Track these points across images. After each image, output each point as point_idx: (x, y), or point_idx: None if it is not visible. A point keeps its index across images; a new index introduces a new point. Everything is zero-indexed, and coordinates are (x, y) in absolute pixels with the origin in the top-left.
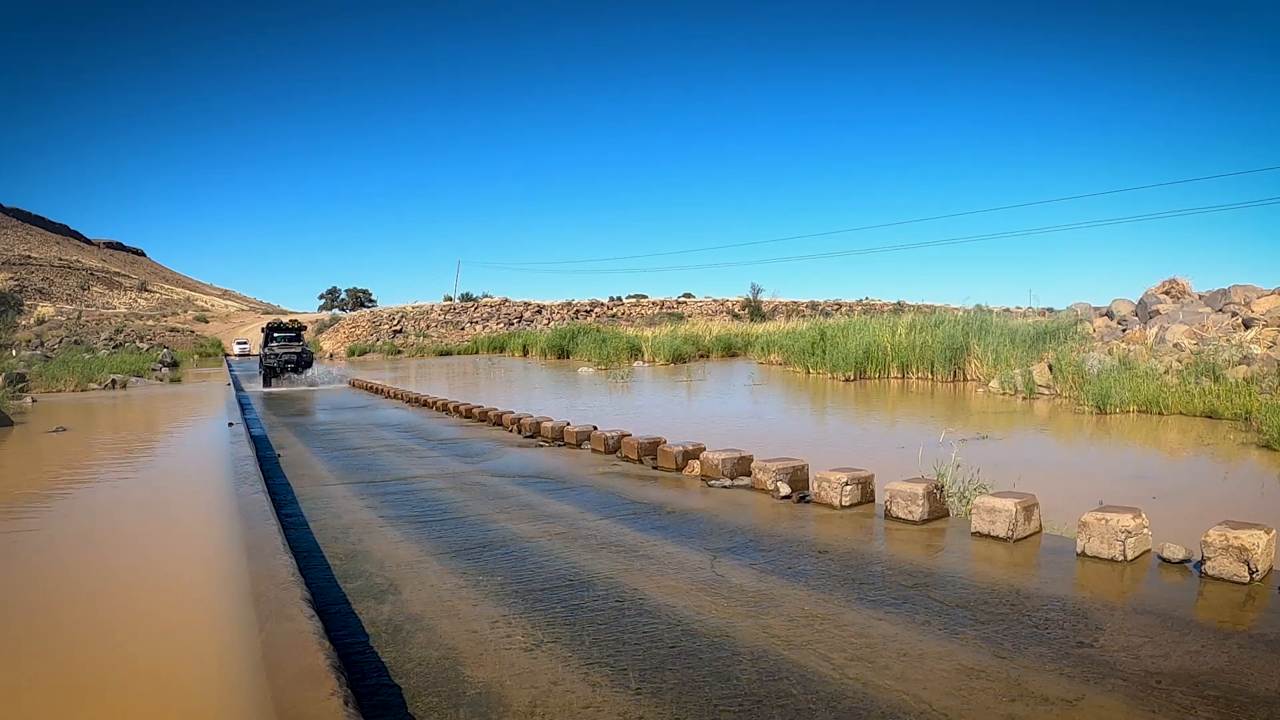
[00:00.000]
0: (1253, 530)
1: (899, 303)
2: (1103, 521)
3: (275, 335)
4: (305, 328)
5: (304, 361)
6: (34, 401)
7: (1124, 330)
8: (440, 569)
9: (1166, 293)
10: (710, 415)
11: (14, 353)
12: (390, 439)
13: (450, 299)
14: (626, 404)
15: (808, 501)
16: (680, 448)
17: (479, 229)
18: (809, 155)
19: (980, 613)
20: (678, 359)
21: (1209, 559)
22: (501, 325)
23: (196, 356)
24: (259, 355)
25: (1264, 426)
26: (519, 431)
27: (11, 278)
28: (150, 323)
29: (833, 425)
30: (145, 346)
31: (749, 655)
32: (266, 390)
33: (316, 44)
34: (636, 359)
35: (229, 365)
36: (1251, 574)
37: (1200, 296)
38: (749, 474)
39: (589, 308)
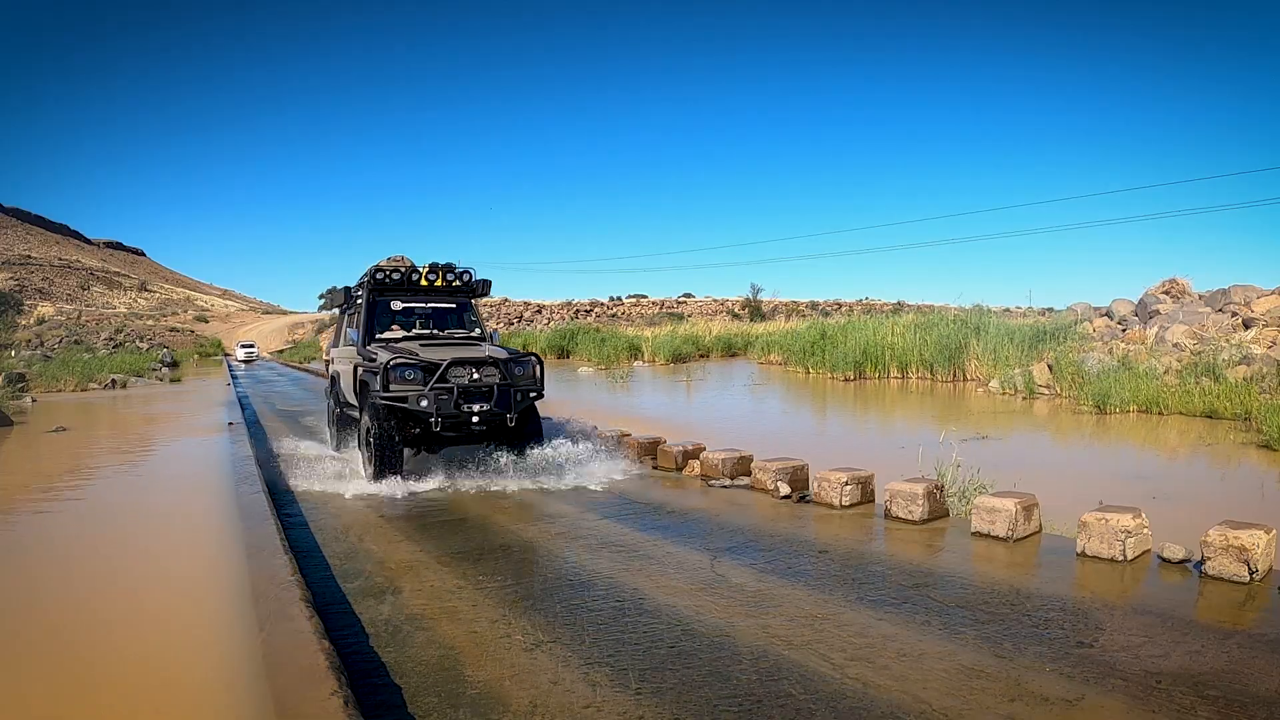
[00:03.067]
0: (1253, 530)
1: (899, 303)
2: (1103, 521)
3: (397, 305)
4: (487, 288)
5: (515, 395)
6: (34, 401)
7: (1124, 330)
8: (440, 569)
9: (1166, 293)
10: (710, 415)
11: (14, 352)
12: None
13: None
14: (626, 403)
15: (808, 501)
16: (680, 447)
17: (479, 229)
18: (809, 155)
19: (980, 613)
20: (678, 359)
21: (1209, 559)
22: (501, 325)
23: (196, 356)
24: (337, 368)
25: (1264, 426)
26: None
27: (11, 278)
28: (150, 323)
29: (832, 425)
30: (145, 346)
31: (749, 655)
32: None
33: (316, 44)
34: (636, 359)
35: (231, 374)
36: (1251, 574)
37: (1200, 296)
38: (749, 474)
39: (589, 308)
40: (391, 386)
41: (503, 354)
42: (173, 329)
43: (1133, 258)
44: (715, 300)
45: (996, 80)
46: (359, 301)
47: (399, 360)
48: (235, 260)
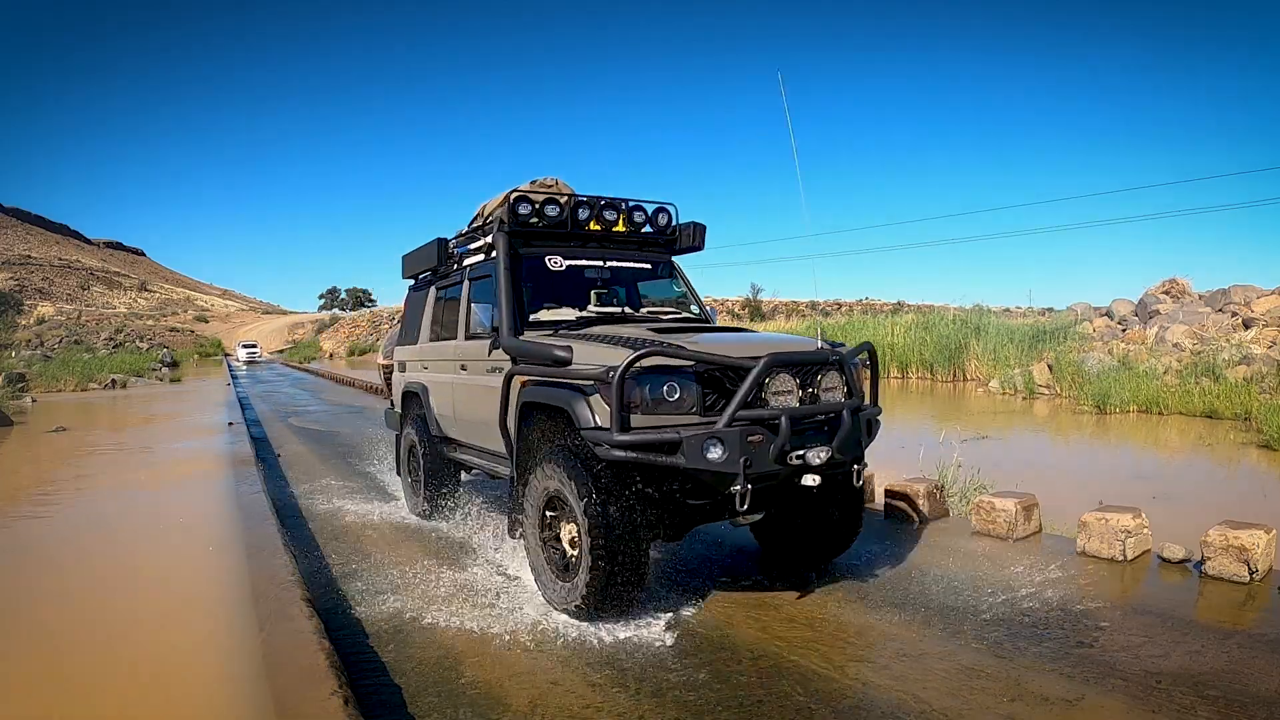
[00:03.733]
0: (1253, 530)
1: (899, 303)
2: (1103, 521)
3: (557, 263)
4: (700, 237)
5: (865, 426)
6: (34, 401)
7: (1124, 330)
8: (440, 568)
9: (1166, 293)
10: None
11: (14, 352)
12: (377, 432)
13: None
14: None
15: None
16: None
17: None
18: (809, 155)
19: (980, 613)
20: None
21: (1209, 559)
22: None
23: (196, 356)
24: (420, 379)
25: (1264, 426)
26: None
27: (11, 278)
28: (150, 323)
29: None
30: (145, 346)
31: (749, 655)
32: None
33: (317, 45)
34: None
35: (231, 374)
36: (1251, 574)
37: (1200, 296)
38: None
39: None
40: (637, 419)
41: (828, 345)
42: (173, 329)
43: (1133, 258)
44: (715, 300)
45: (996, 80)
46: (484, 258)
47: (655, 361)
48: (235, 260)
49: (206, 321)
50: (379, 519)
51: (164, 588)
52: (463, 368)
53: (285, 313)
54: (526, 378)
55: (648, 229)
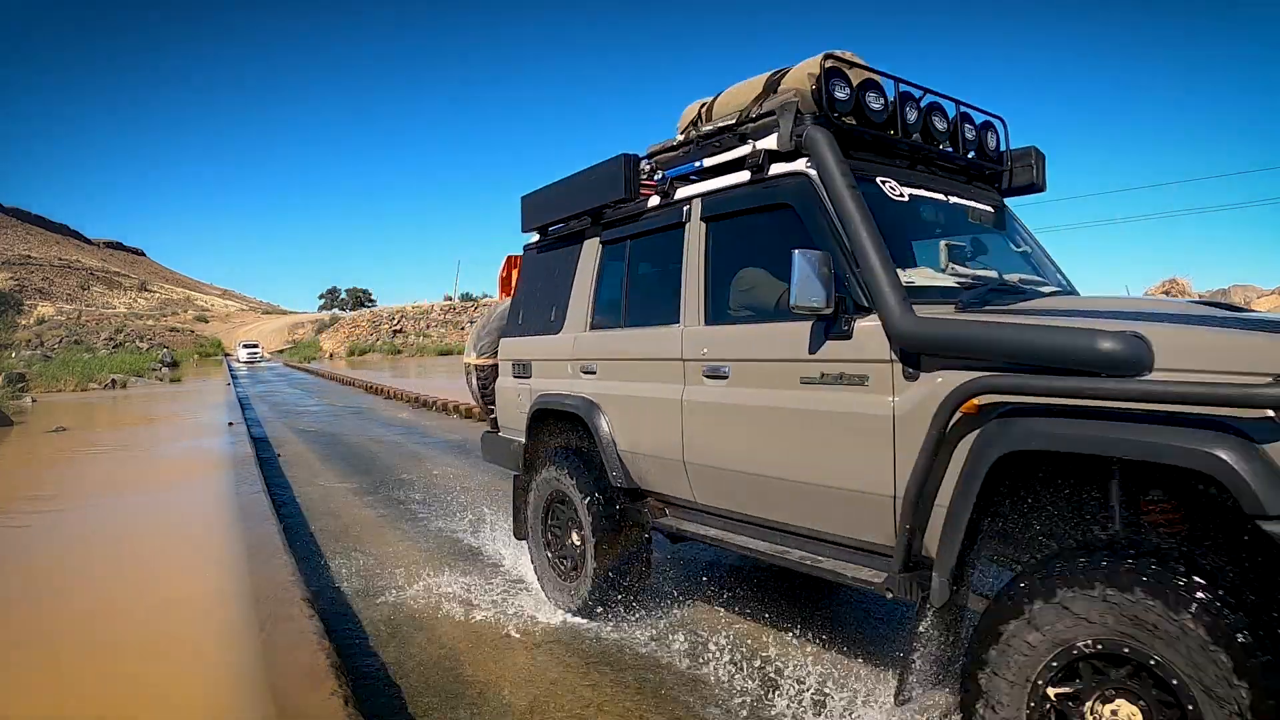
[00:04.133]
0: None
1: None
2: None
3: (896, 191)
4: (1041, 170)
5: None
6: (34, 401)
7: None
8: (440, 568)
9: (1166, 292)
10: None
11: (14, 353)
12: (378, 433)
13: (450, 299)
14: None
15: None
16: None
17: (479, 229)
18: None
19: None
20: None
21: None
22: None
23: (196, 356)
24: (580, 390)
25: None
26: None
27: (11, 278)
28: (150, 323)
29: None
30: (145, 346)
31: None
32: None
33: (317, 45)
34: None
35: (231, 374)
36: None
37: (1200, 296)
38: None
39: None
40: None
41: None
42: (173, 329)
43: (1133, 257)
44: None
45: (995, 80)
46: (749, 179)
47: None
48: (235, 260)
49: (206, 321)
50: (500, 619)
51: (163, 587)
52: (711, 374)
53: (285, 313)
54: (994, 399)
55: (976, 156)
